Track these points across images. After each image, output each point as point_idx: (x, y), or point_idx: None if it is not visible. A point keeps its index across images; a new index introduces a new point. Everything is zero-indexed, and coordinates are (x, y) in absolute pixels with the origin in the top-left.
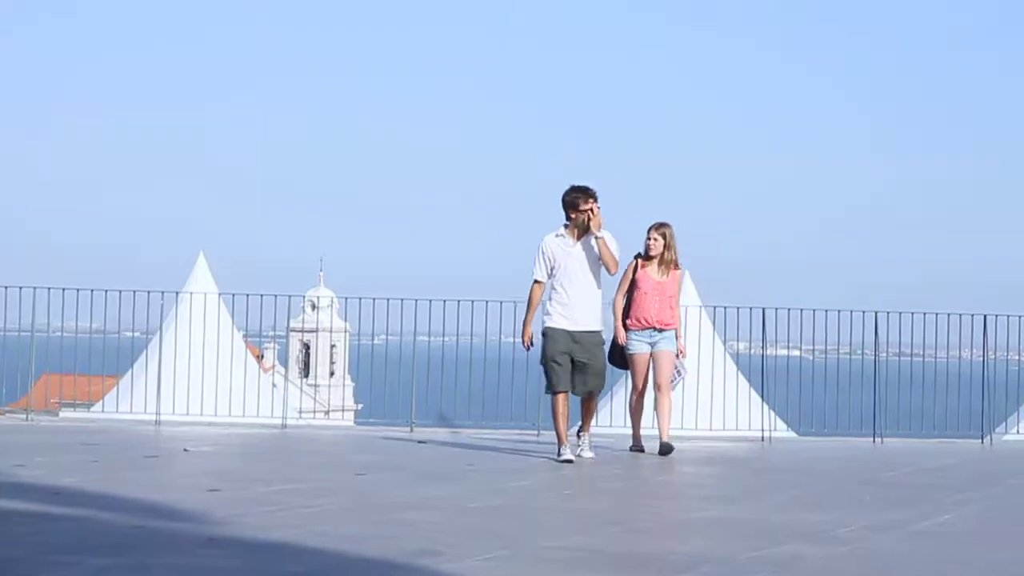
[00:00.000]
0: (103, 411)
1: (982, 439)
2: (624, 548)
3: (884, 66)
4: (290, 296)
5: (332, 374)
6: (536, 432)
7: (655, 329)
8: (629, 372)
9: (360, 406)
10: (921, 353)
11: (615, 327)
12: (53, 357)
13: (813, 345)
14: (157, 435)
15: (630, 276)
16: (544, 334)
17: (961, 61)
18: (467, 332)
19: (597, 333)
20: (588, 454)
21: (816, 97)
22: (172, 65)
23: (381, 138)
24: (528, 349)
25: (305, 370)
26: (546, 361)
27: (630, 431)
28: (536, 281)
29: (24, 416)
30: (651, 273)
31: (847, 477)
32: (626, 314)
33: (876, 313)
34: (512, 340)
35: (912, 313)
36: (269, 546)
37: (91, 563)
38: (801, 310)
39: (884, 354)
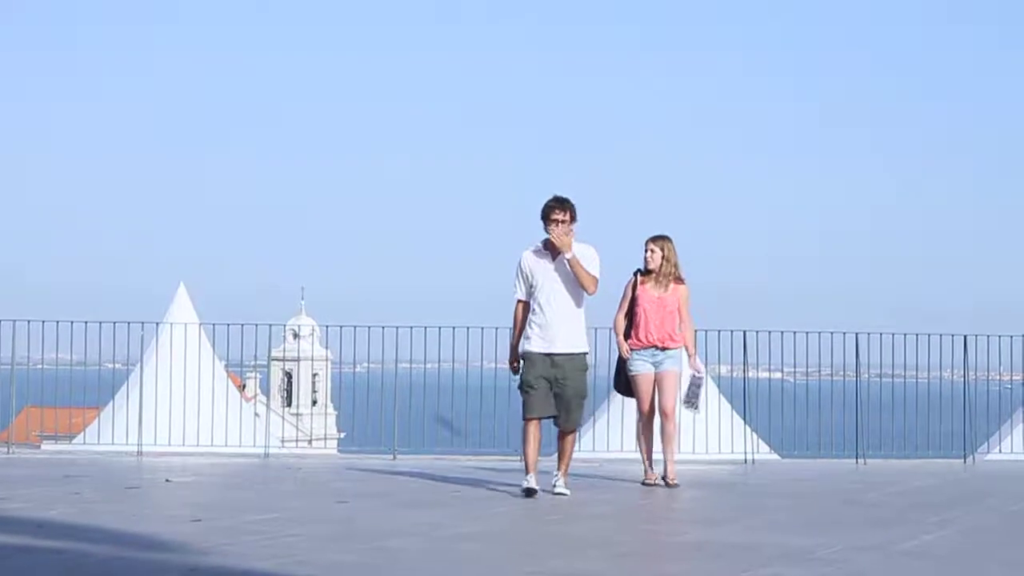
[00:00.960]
0: (84, 443)
1: (964, 459)
2: (609, 572)
3: (865, 90)
4: (271, 325)
5: (314, 403)
6: (519, 457)
7: (657, 348)
8: (634, 395)
9: (343, 434)
10: (903, 374)
11: (618, 344)
12: (34, 390)
13: (795, 367)
14: (139, 466)
15: (629, 293)
16: (522, 358)
17: (946, 84)
18: (449, 359)
19: (579, 356)
20: (561, 489)
21: (797, 120)
22: (153, 97)
23: (360, 166)
24: (516, 373)
25: (287, 399)
26: (521, 386)
27: (614, 455)
28: (518, 300)
29: (5, 449)
30: (650, 288)
31: (830, 498)
32: (628, 334)
33: (857, 335)
34: (494, 366)
35: (893, 334)
36: (252, 575)
37: None
38: (782, 332)
39: (866, 375)
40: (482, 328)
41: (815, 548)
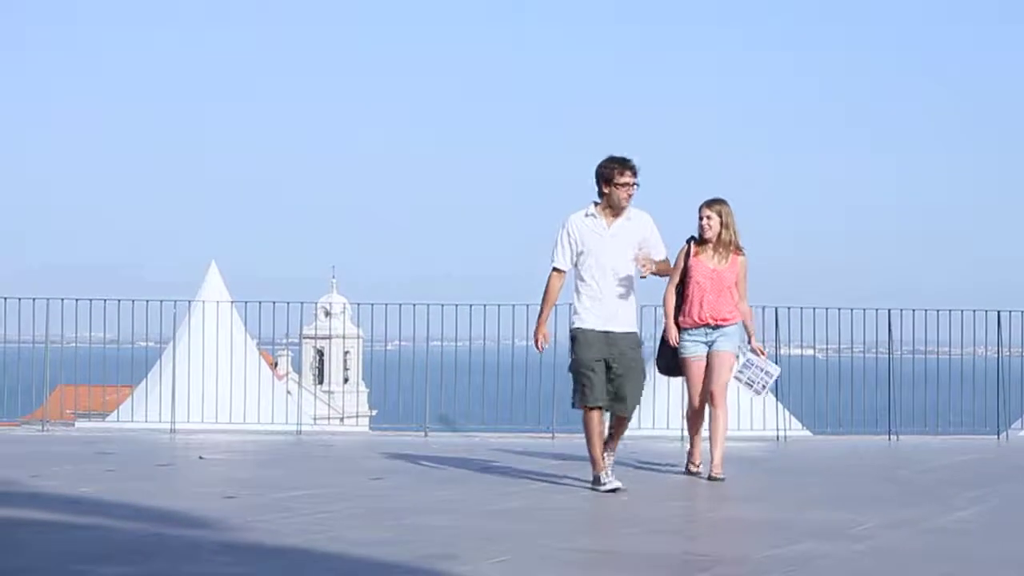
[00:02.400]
0: (118, 421)
1: (997, 436)
2: (639, 549)
3: (895, 62)
4: (303, 303)
5: (346, 380)
6: (551, 435)
7: (710, 326)
8: (685, 380)
9: (375, 412)
10: (935, 350)
11: (666, 327)
12: (68, 368)
13: (827, 344)
14: (172, 443)
15: (681, 264)
16: (573, 337)
17: (977, 55)
18: (480, 336)
19: (635, 335)
20: (616, 483)
21: (826, 93)
22: (182, 75)
23: (391, 144)
24: (541, 351)
25: (319, 377)
26: (577, 369)
27: (645, 433)
28: (556, 269)
29: (40, 427)
30: (705, 260)
31: (862, 475)
32: (678, 311)
33: (890, 311)
34: (525, 343)
35: (926, 310)
36: (285, 552)
37: (107, 571)
38: (814, 309)
39: (898, 352)
40: (513, 306)
41: (847, 525)
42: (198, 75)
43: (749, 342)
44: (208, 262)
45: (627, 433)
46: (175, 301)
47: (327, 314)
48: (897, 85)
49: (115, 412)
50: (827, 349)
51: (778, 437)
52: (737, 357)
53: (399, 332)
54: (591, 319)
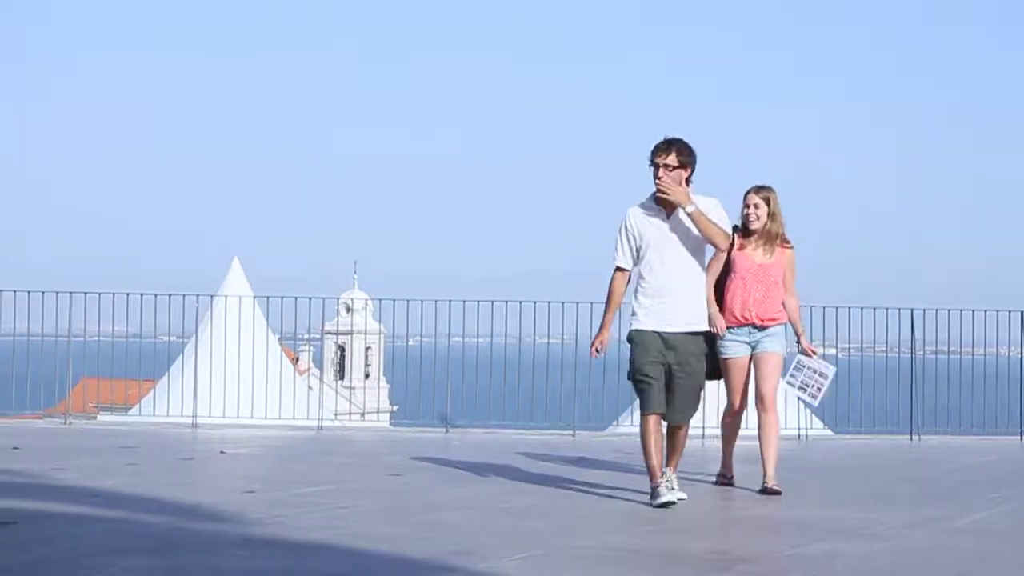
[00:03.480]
0: (140, 414)
1: (1020, 436)
2: (660, 547)
3: (924, 59)
4: (324, 299)
5: (367, 376)
6: (571, 433)
7: (755, 327)
8: (724, 383)
9: (395, 408)
10: (959, 350)
11: (711, 317)
12: (91, 361)
13: (849, 343)
14: (194, 438)
15: (723, 256)
16: (630, 339)
17: (1002, 52)
18: (501, 333)
19: (698, 337)
20: (680, 494)
21: (852, 89)
22: (207, 73)
23: (414, 140)
24: (594, 356)
25: (340, 372)
26: (634, 374)
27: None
28: (618, 268)
29: (63, 420)
30: (751, 252)
31: (884, 475)
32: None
33: (912, 310)
34: (547, 340)
35: (948, 310)
36: (305, 547)
37: (128, 564)
38: (837, 308)
39: (921, 352)
40: (535, 303)
41: (870, 524)
42: (223, 73)
43: (798, 342)
44: (231, 258)
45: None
46: (198, 296)
47: (348, 310)
48: (915, 80)
49: (137, 406)
50: (849, 348)
51: (800, 436)
52: (782, 355)
53: (420, 328)
54: (648, 319)
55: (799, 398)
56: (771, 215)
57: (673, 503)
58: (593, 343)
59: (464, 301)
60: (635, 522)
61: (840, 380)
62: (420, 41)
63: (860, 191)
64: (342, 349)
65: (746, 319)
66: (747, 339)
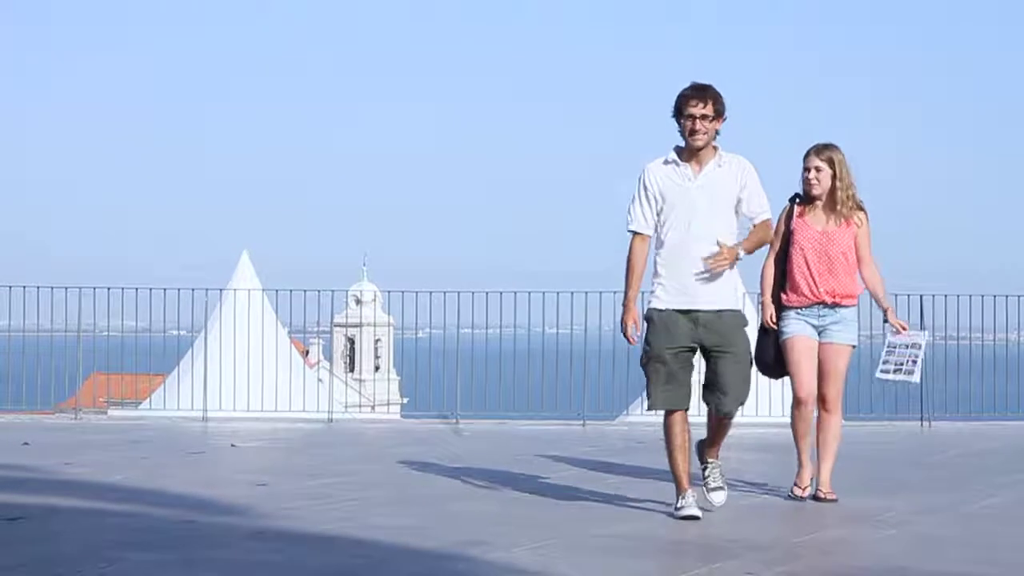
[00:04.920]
0: (151, 408)
1: None
2: (671, 535)
3: (934, 49)
4: (333, 291)
5: (377, 368)
6: (581, 423)
7: (824, 304)
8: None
9: (406, 400)
10: (968, 336)
11: (762, 305)
12: (101, 356)
13: (859, 330)
14: (204, 431)
15: (783, 228)
16: (647, 319)
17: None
18: (511, 324)
19: (735, 313)
20: (718, 497)
21: (863, 72)
22: (215, 67)
23: (423, 133)
24: (634, 341)
25: (350, 365)
26: (647, 363)
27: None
28: (636, 234)
29: (73, 415)
30: (813, 222)
31: (894, 461)
32: (781, 287)
33: (921, 296)
34: (556, 331)
35: (958, 296)
36: (317, 539)
37: (140, 558)
38: None
39: (931, 337)
40: (543, 293)
41: (878, 510)
42: (232, 68)
43: (885, 319)
44: (240, 251)
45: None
46: (207, 290)
47: (358, 302)
48: (930, 66)
49: (148, 400)
50: (859, 335)
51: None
52: (853, 347)
53: (430, 320)
54: (672, 296)
55: (895, 382)
56: (836, 177)
57: (697, 517)
58: (624, 327)
59: (472, 292)
60: (646, 511)
61: (851, 366)
62: (429, 36)
63: (867, 173)
64: (352, 341)
65: (815, 296)
66: (815, 321)
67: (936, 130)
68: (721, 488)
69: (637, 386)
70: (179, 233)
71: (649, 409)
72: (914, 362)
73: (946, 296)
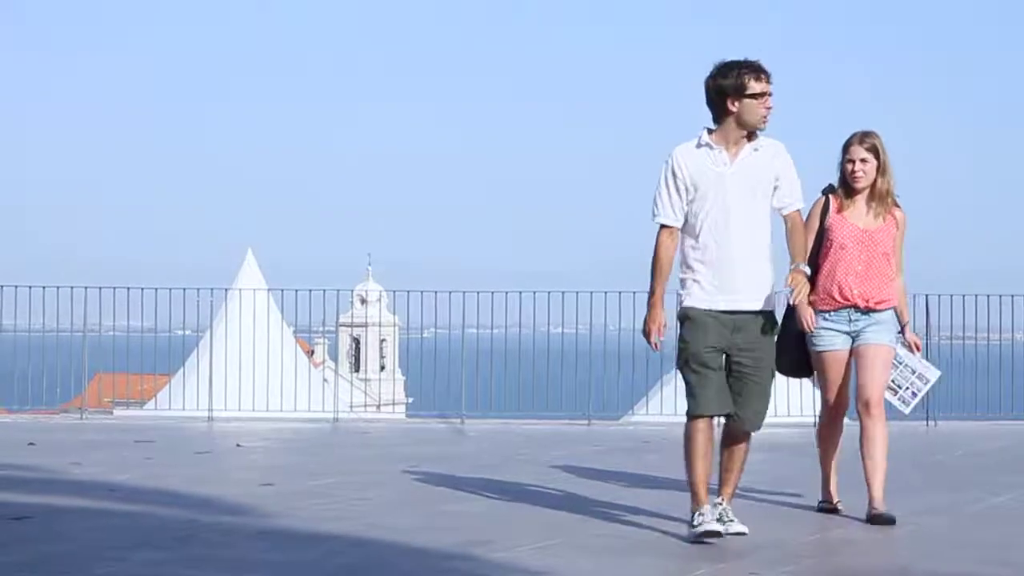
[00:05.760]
0: (156, 408)
1: None
2: (676, 536)
3: (936, 49)
4: (339, 291)
5: (382, 368)
6: (586, 422)
7: (857, 309)
8: (817, 381)
9: (411, 400)
10: (974, 336)
11: (797, 306)
12: (106, 356)
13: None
14: (210, 431)
15: (816, 222)
16: (683, 319)
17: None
18: (516, 323)
19: (770, 316)
20: (739, 527)
21: (866, 71)
22: (219, 67)
23: (426, 133)
24: (657, 348)
25: (355, 364)
26: (685, 365)
27: (680, 419)
28: (663, 227)
29: (78, 415)
30: (853, 217)
31: (899, 461)
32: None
33: (927, 296)
34: (561, 330)
35: (963, 295)
36: (321, 538)
37: (145, 557)
38: None
39: (936, 337)
40: (548, 293)
41: (887, 510)
42: (236, 68)
43: (902, 332)
44: (245, 251)
45: (665, 420)
46: (212, 289)
47: (363, 302)
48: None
49: (153, 400)
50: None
51: (815, 423)
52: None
53: (435, 319)
54: (707, 295)
55: (887, 400)
56: (880, 170)
57: (719, 534)
58: (648, 329)
59: (478, 292)
60: (652, 510)
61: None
62: (436, 37)
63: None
64: (357, 341)
65: (847, 299)
66: (846, 327)
67: (937, 129)
68: (732, 521)
69: (642, 386)
70: (184, 233)
71: (691, 414)
72: (914, 394)
73: (952, 296)
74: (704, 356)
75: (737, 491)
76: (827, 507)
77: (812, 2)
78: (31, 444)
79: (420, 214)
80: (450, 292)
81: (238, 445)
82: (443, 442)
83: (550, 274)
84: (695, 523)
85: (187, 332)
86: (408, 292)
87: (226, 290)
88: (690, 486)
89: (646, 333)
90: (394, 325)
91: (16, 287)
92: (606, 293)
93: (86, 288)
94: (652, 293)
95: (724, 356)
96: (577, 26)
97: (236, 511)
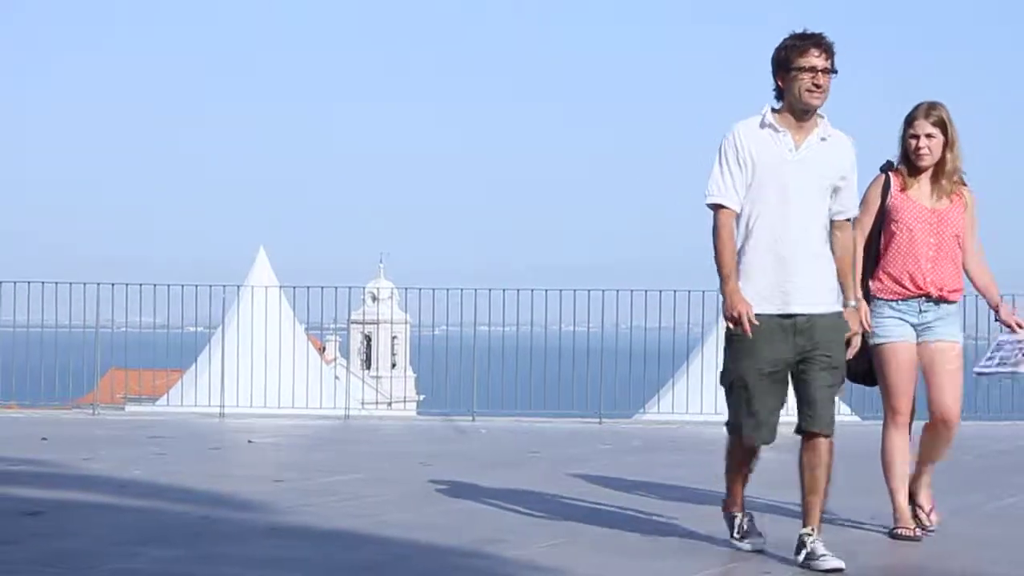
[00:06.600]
0: (168, 404)
1: None
2: (689, 535)
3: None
4: (350, 288)
5: (394, 365)
6: (598, 420)
7: (928, 298)
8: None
9: (422, 397)
10: (987, 335)
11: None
12: (118, 352)
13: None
14: (221, 427)
15: (876, 202)
16: (729, 332)
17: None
18: (527, 321)
19: (836, 316)
20: (835, 562)
21: (870, 72)
22: (230, 64)
23: (437, 131)
24: (750, 333)
25: (367, 362)
26: (729, 387)
27: (693, 417)
28: (720, 207)
29: (91, 410)
30: (917, 196)
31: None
32: (870, 272)
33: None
34: (572, 328)
35: (976, 296)
36: (333, 535)
37: (157, 553)
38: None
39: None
40: (560, 290)
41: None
42: (249, 64)
43: (997, 315)
44: (256, 248)
45: (677, 418)
46: (224, 286)
47: (375, 299)
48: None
49: (165, 396)
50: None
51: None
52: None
53: (447, 317)
54: (763, 296)
55: (998, 375)
56: (948, 146)
57: (760, 548)
58: (735, 317)
59: (489, 289)
60: (664, 510)
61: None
62: (448, 36)
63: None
64: (368, 338)
65: (917, 288)
66: (914, 318)
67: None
68: (834, 556)
69: (654, 383)
70: (197, 230)
71: (733, 435)
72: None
73: (964, 296)
74: (751, 371)
75: (747, 496)
76: (903, 531)
77: (812, 2)
78: (44, 439)
79: (431, 212)
80: (461, 289)
81: (250, 441)
82: (454, 440)
83: (560, 269)
84: (737, 528)
85: (199, 328)
86: (420, 289)
87: (238, 287)
88: (728, 491)
89: (735, 320)
90: (405, 322)
91: (29, 283)
92: (618, 291)
93: (99, 284)
94: (725, 280)
95: (786, 372)
96: (598, 25)
97: (248, 507)
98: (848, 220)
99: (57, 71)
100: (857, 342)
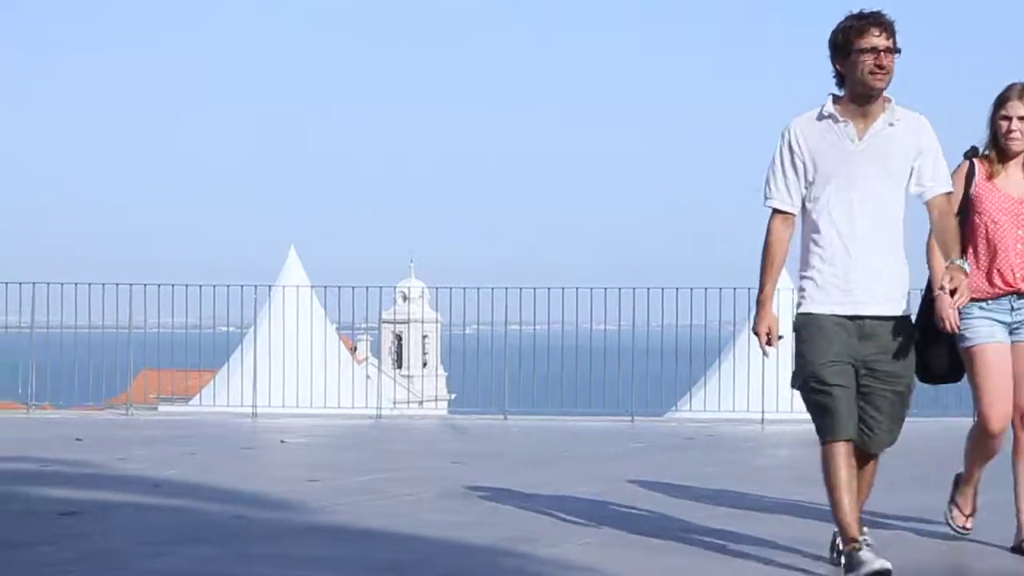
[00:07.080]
0: (200, 404)
1: None
2: (712, 532)
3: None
4: (381, 288)
5: (425, 364)
6: (630, 418)
7: (1019, 295)
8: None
9: (453, 396)
10: None
11: (936, 300)
12: (151, 353)
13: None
14: (254, 427)
15: (961, 191)
16: (799, 327)
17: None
18: (559, 320)
19: (905, 321)
20: (881, 563)
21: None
22: (261, 67)
23: (468, 132)
24: (767, 353)
25: (398, 361)
26: (803, 385)
27: (726, 415)
28: (777, 212)
29: (124, 411)
30: (1006, 185)
31: (944, 458)
32: None
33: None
34: (604, 327)
35: None
36: (368, 534)
37: (192, 552)
38: None
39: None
40: (591, 289)
41: (928, 508)
42: (281, 62)
43: None
44: (288, 247)
45: (709, 416)
46: (256, 286)
47: (405, 299)
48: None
49: (197, 396)
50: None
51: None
52: None
53: (477, 316)
54: (830, 297)
55: None
56: None
57: (887, 571)
58: (760, 330)
59: (520, 288)
60: (695, 509)
61: None
62: (480, 37)
63: None
64: (399, 338)
65: (1008, 284)
66: (1006, 317)
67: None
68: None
69: (686, 381)
70: (229, 231)
71: (824, 440)
72: None
73: None
74: (827, 374)
75: (768, 485)
76: (957, 528)
77: (813, 2)
78: (78, 440)
79: (462, 212)
80: (492, 288)
81: (282, 441)
82: (486, 439)
83: (593, 267)
84: (854, 564)
85: (231, 329)
86: (450, 288)
87: (270, 287)
88: (837, 521)
89: (758, 335)
90: (436, 321)
91: (62, 284)
92: (648, 289)
93: (131, 285)
94: (762, 289)
95: (853, 368)
96: (617, 26)
97: (282, 507)
98: (944, 195)
99: (90, 71)
100: (965, 295)
